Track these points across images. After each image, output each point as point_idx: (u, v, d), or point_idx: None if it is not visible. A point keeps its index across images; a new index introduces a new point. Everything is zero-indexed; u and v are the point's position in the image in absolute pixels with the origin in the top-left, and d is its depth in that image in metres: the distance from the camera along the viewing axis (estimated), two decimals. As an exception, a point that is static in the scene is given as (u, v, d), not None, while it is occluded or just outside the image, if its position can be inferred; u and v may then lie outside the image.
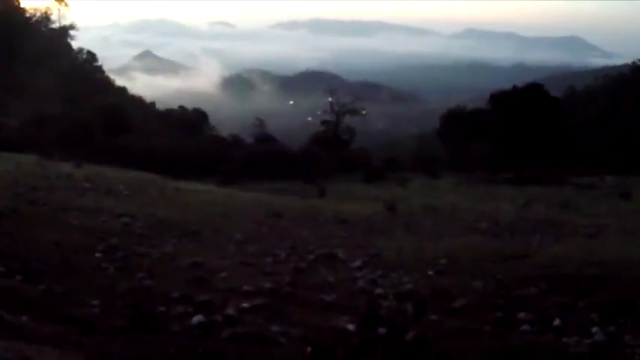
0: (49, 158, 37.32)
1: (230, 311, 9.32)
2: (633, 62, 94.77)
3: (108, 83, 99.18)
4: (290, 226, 22.18)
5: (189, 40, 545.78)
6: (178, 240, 16.58)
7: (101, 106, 64.52)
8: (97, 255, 13.07)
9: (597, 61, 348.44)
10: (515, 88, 66.54)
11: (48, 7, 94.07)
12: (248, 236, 18.59)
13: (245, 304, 9.90)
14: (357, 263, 14.68)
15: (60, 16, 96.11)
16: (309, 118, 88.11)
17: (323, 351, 5.42)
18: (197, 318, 8.77)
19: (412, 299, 10.54)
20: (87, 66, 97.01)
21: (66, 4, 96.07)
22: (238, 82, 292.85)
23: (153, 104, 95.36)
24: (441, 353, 5.48)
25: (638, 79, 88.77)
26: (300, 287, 11.90)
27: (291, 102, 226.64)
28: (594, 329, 8.91)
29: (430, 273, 13.50)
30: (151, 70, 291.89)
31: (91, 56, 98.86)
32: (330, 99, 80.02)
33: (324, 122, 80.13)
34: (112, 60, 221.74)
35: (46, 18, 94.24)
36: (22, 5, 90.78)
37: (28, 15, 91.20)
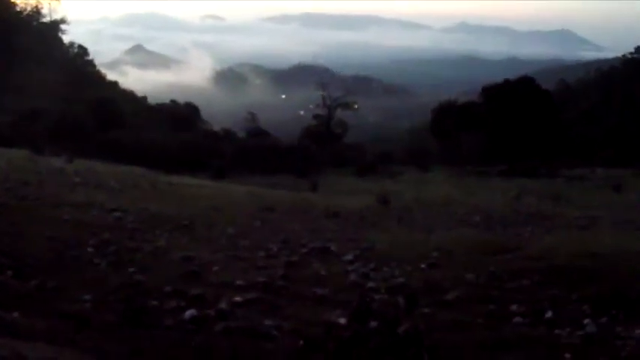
0: (40, 153, 37.18)
1: (223, 305, 9.31)
2: (624, 55, 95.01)
3: (99, 78, 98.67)
4: (282, 219, 22.18)
5: (181, 34, 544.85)
6: (170, 234, 16.55)
7: (92, 101, 64.32)
8: (89, 250, 13.03)
9: (589, 55, 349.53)
10: (506, 81, 66.68)
11: (38, 2, 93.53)
12: (240, 230, 18.57)
13: (238, 298, 9.90)
14: (350, 257, 14.68)
15: (51, 11, 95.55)
16: (301, 112, 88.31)
17: (315, 344, 5.41)
18: (190, 312, 8.76)
19: (404, 292, 10.55)
20: (78, 60, 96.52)
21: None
22: (230, 76, 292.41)
23: (144, 98, 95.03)
24: (433, 346, 5.48)
25: (629, 72, 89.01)
26: (293, 281, 11.90)
27: (283, 96, 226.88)
28: (586, 321, 8.94)
29: (422, 266, 13.51)
30: (142, 65, 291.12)
31: (82, 50, 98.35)
32: (321, 93, 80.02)
33: (315, 116, 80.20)
34: (103, 54, 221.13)
35: (36, 12, 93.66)
36: (12, 0, 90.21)
37: (18, 10, 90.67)
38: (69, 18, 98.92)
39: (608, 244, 14.15)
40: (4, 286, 9.02)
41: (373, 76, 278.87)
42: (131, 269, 11.65)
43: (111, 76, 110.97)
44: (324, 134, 75.00)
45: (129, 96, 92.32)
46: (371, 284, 11.80)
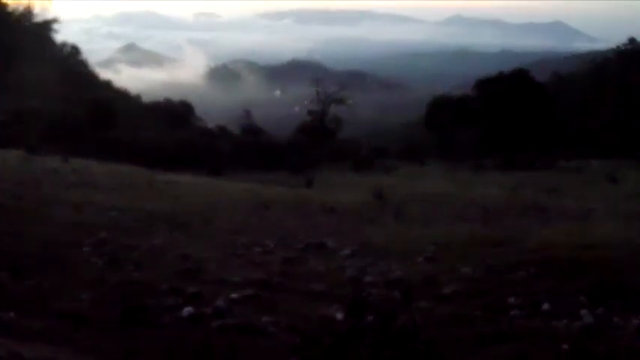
0: (35, 153, 37.16)
1: (220, 302, 9.31)
2: (617, 47, 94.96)
3: (93, 77, 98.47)
4: (278, 216, 22.19)
5: (174, 32, 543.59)
6: (167, 232, 16.54)
7: (86, 100, 64.17)
8: (86, 249, 13.03)
9: (582, 46, 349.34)
10: (501, 74, 66.63)
11: (30, 1, 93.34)
12: (237, 227, 18.57)
13: (235, 295, 9.90)
14: (346, 252, 14.70)
15: (42, 10, 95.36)
16: (296, 108, 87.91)
17: (312, 340, 5.41)
18: (187, 310, 8.76)
19: (401, 286, 10.56)
20: (71, 60, 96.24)
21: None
22: (224, 73, 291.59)
23: (138, 97, 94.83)
24: (430, 340, 5.48)
25: (622, 63, 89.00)
26: (290, 277, 11.91)
27: (278, 92, 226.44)
28: (583, 312, 8.96)
29: (419, 260, 13.54)
30: (135, 63, 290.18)
31: (75, 50, 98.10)
32: (316, 88, 79.90)
33: (310, 112, 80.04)
34: (96, 53, 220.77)
35: (28, 12, 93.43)
36: (3, 0, 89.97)
37: (10, 10, 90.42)
38: (61, 17, 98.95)
39: (605, 235, 14.19)
40: (0, 285, 9.02)
41: (367, 71, 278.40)
42: (128, 268, 11.65)
43: (105, 74, 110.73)
44: (318, 130, 74.85)
45: (123, 95, 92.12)
46: (368, 279, 11.82)
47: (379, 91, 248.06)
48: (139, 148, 52.96)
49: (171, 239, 15.55)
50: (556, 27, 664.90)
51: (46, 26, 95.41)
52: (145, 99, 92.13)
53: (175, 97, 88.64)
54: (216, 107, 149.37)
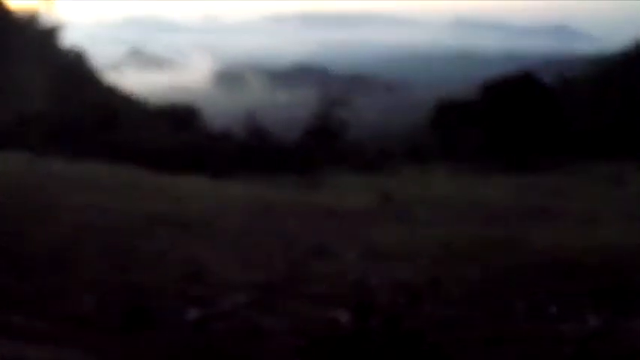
0: (39, 155, 37.19)
1: (224, 305, 9.29)
2: (622, 48, 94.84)
3: (98, 80, 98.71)
4: (283, 218, 22.14)
5: (179, 36, 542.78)
6: (171, 234, 16.50)
7: (91, 103, 64.30)
8: (89, 251, 13.01)
9: (587, 48, 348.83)
10: (506, 76, 66.57)
11: (35, 6, 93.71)
12: (241, 230, 18.53)
13: (239, 298, 9.87)
14: (351, 254, 14.66)
15: (47, 15, 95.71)
16: (301, 111, 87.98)
17: (317, 343, 5.39)
18: (191, 313, 8.74)
19: (406, 289, 10.52)
20: (76, 63, 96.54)
21: (53, 3, 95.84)
22: (229, 76, 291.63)
23: (143, 100, 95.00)
24: (435, 343, 5.45)
25: (627, 64, 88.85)
26: (294, 280, 11.87)
27: (282, 95, 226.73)
28: (589, 315, 8.91)
29: (424, 262, 13.48)
30: (140, 67, 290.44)
31: (80, 54, 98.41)
32: (320, 91, 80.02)
33: (315, 115, 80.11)
34: (102, 57, 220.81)
35: (33, 17, 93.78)
36: (8, 5, 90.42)
37: (15, 15, 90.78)
38: (67, 21, 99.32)
39: (610, 238, 14.13)
40: (4, 287, 9.00)
41: (371, 74, 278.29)
42: (131, 270, 11.63)
43: (109, 78, 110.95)
44: (323, 133, 74.87)
45: (127, 98, 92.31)
46: (373, 282, 11.77)
47: (383, 93, 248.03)
48: (143, 150, 52.96)
49: (174, 241, 15.51)
50: (560, 29, 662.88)
51: (51, 31, 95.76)
52: (151, 102, 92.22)
53: (180, 100, 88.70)
54: (220, 110, 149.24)
